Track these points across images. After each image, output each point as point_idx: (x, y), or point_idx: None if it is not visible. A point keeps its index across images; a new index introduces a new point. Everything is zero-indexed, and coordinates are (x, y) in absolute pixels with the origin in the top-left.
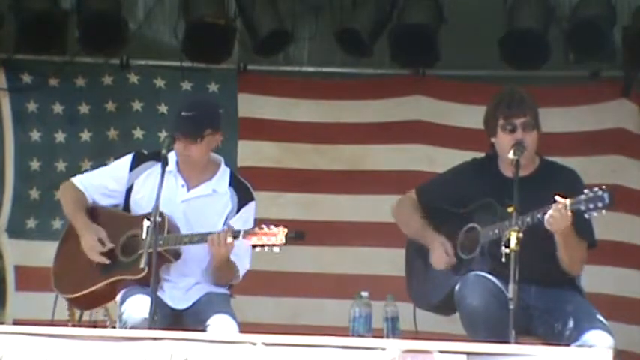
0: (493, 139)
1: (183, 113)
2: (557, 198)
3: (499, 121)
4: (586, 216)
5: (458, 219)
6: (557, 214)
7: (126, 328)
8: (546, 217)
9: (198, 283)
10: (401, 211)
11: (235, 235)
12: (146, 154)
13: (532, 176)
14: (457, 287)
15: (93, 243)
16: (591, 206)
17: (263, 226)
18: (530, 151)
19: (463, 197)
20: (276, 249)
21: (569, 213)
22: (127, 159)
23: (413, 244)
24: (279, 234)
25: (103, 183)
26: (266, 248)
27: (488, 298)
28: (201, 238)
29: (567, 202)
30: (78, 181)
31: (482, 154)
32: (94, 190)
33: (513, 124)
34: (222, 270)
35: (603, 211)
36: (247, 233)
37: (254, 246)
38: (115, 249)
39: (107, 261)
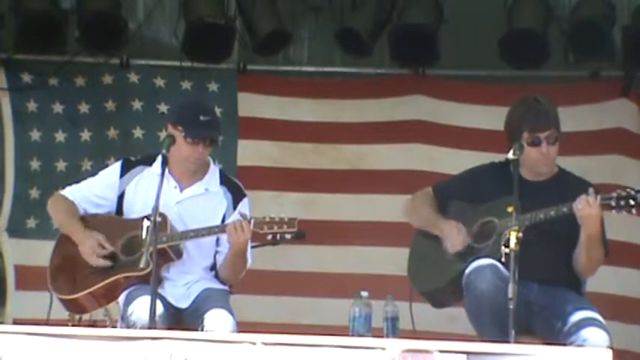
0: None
1: (202, 118)
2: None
3: (524, 134)
4: (614, 212)
5: (476, 213)
6: (590, 202)
7: (135, 329)
8: (575, 203)
9: (197, 281)
10: (414, 203)
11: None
12: (134, 160)
13: (548, 181)
14: (467, 271)
15: (92, 248)
16: (622, 203)
17: (273, 215)
18: (552, 162)
19: (480, 198)
20: (287, 236)
21: (598, 203)
22: (116, 166)
23: (421, 230)
24: (291, 222)
25: (93, 192)
26: (278, 236)
27: (497, 283)
28: (207, 231)
29: (599, 196)
30: (67, 192)
31: (482, 154)
32: (83, 199)
33: (539, 138)
34: (239, 259)
35: (634, 210)
36: (259, 222)
37: (265, 235)
38: (115, 251)
39: (109, 264)
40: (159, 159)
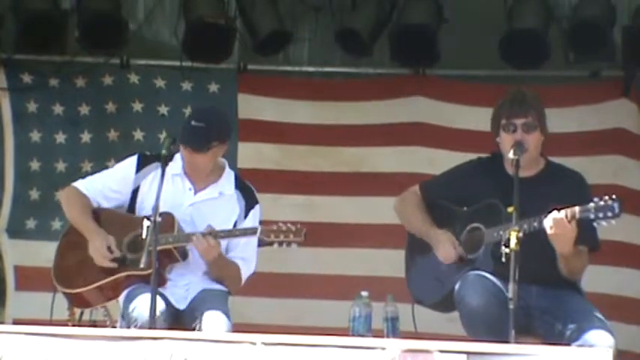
0: (497, 139)
1: (193, 123)
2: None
3: (501, 121)
4: (594, 224)
5: (462, 217)
6: (560, 222)
7: (136, 326)
8: (549, 222)
9: (197, 283)
10: (404, 207)
11: (252, 232)
12: (150, 156)
13: (537, 177)
14: (457, 287)
15: (102, 250)
16: (600, 215)
17: (281, 224)
18: (531, 152)
19: (468, 195)
20: (293, 245)
21: (574, 224)
22: (132, 160)
23: (413, 240)
24: (298, 232)
25: (107, 186)
26: (284, 245)
27: (488, 297)
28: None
29: (576, 209)
30: (81, 185)
31: (483, 156)
32: (98, 193)
33: (514, 125)
34: (216, 268)
35: (612, 221)
36: (265, 231)
37: (271, 243)
38: (121, 247)
39: (115, 266)
40: (177, 158)
